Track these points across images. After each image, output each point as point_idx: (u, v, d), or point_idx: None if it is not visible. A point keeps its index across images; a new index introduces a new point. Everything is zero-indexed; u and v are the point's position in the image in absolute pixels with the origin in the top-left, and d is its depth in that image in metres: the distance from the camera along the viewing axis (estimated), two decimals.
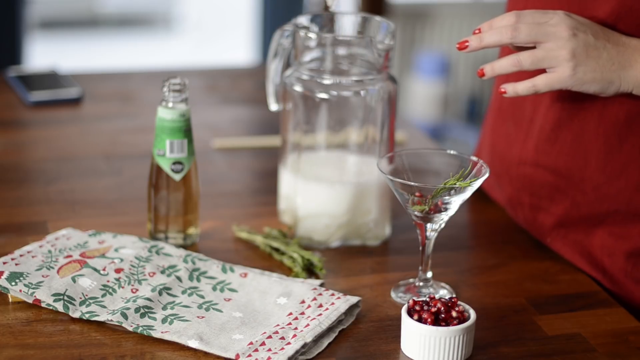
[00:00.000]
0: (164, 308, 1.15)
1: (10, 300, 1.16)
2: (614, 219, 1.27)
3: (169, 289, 1.18)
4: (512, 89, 1.19)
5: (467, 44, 1.18)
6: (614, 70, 1.16)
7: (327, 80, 1.30)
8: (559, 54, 1.15)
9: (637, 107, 1.23)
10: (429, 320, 1.08)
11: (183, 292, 1.18)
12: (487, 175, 1.15)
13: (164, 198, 1.30)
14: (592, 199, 1.28)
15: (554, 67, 1.16)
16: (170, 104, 1.27)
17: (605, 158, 1.26)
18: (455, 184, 1.14)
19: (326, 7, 1.32)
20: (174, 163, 1.28)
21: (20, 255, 1.21)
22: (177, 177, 1.28)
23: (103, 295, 1.16)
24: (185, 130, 1.27)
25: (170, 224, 1.31)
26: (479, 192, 1.47)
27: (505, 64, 1.18)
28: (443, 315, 1.08)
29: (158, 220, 1.31)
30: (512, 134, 1.37)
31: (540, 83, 1.17)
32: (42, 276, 1.17)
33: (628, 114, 1.23)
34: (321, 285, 1.22)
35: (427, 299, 1.10)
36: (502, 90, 1.20)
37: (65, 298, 1.14)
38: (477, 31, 1.19)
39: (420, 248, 1.20)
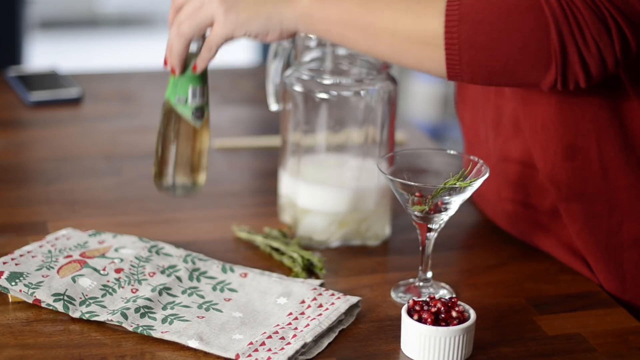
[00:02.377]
0: (164, 308, 1.15)
1: (10, 300, 1.16)
2: (578, 225, 1.28)
3: (169, 289, 1.18)
4: (200, 60, 1.22)
5: (165, 60, 1.23)
6: (269, 5, 1.17)
7: (327, 80, 1.30)
8: (211, 5, 1.17)
9: (548, 115, 1.23)
10: (429, 320, 1.08)
11: (183, 292, 1.18)
12: (487, 175, 1.15)
13: (183, 145, 1.28)
14: (553, 201, 1.29)
15: (213, 21, 1.18)
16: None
17: (545, 166, 1.26)
18: (455, 184, 1.14)
19: None
20: (196, 109, 1.27)
21: (20, 255, 1.21)
22: (199, 123, 1.27)
23: (103, 295, 1.16)
24: (204, 76, 1.26)
25: (182, 171, 1.29)
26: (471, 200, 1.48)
27: (174, 44, 1.21)
28: (443, 315, 1.08)
29: (172, 166, 1.29)
30: (474, 136, 1.39)
31: (208, 42, 1.19)
32: (42, 276, 1.17)
33: (543, 124, 1.23)
34: (321, 285, 1.22)
35: (427, 299, 1.10)
36: (194, 67, 1.22)
37: (65, 298, 1.14)
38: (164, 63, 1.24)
39: (420, 248, 1.20)
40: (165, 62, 1.23)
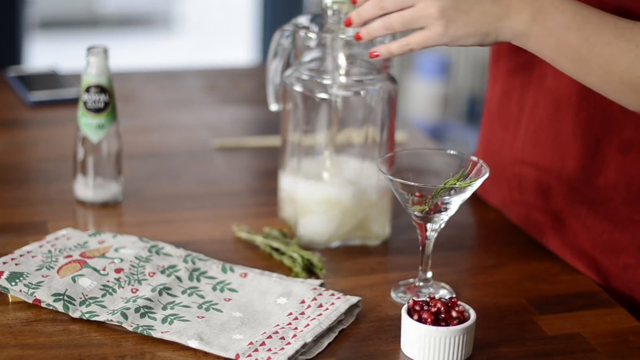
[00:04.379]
0: (164, 308, 1.15)
1: (10, 300, 1.16)
2: (594, 219, 1.28)
3: (169, 289, 1.18)
4: (386, 49, 1.18)
5: (349, 20, 1.18)
6: (489, 23, 1.13)
7: (327, 80, 1.30)
8: (428, 12, 1.12)
9: (612, 107, 1.23)
10: (429, 320, 1.08)
11: (183, 292, 1.18)
12: (487, 175, 1.15)
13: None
14: (575, 198, 1.29)
15: (426, 26, 1.13)
16: None
17: (584, 158, 1.27)
18: (455, 184, 1.14)
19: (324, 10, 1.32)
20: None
21: (20, 255, 1.21)
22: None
23: (103, 295, 1.16)
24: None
25: None
26: (476, 196, 1.48)
27: (378, 27, 1.16)
28: (443, 315, 1.08)
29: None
30: (501, 138, 1.38)
31: (413, 41, 1.15)
32: (42, 276, 1.17)
33: (604, 115, 1.24)
34: (321, 285, 1.22)
35: (427, 299, 1.10)
36: (375, 53, 1.18)
37: (65, 298, 1.14)
38: (354, 1, 1.19)
39: (420, 248, 1.20)
40: (349, 24, 1.19)
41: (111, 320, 1.11)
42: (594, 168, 1.27)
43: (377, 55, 1.18)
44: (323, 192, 1.32)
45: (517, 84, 1.34)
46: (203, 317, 1.13)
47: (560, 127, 1.29)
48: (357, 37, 1.19)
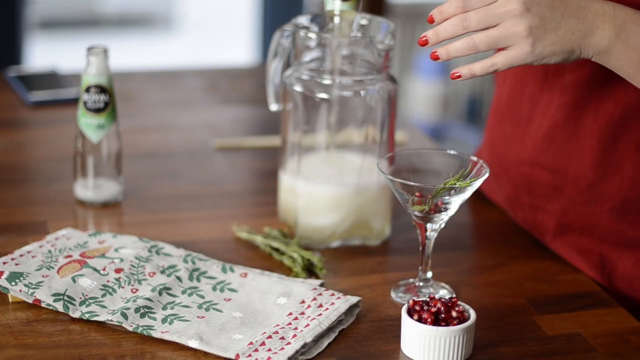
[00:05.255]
0: (164, 308, 1.15)
1: (10, 300, 1.16)
2: (609, 217, 1.28)
3: (169, 289, 1.18)
4: (468, 70, 1.14)
5: (425, 39, 1.14)
6: (574, 40, 1.11)
7: (327, 80, 1.30)
8: (515, 31, 1.10)
9: (632, 104, 1.23)
10: (429, 320, 1.08)
11: (183, 292, 1.18)
12: (487, 175, 1.15)
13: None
14: (588, 196, 1.29)
15: (512, 45, 1.11)
16: None
17: (600, 156, 1.26)
18: (455, 184, 1.14)
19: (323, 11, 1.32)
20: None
21: (20, 255, 1.21)
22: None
23: (103, 295, 1.16)
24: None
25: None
26: (478, 192, 1.48)
27: (461, 48, 1.13)
28: (443, 315, 1.08)
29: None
30: (510, 134, 1.37)
31: (499, 62, 1.12)
32: (42, 276, 1.17)
33: (623, 112, 1.24)
34: (321, 285, 1.22)
35: (427, 299, 1.10)
36: (457, 74, 1.14)
37: (65, 298, 1.14)
38: (429, 19, 1.14)
39: (420, 248, 1.20)
40: (425, 43, 1.15)
41: (111, 320, 1.11)
42: (611, 166, 1.26)
43: (458, 77, 1.14)
44: (323, 192, 1.32)
45: (531, 81, 1.33)
46: (203, 317, 1.13)
47: (578, 124, 1.28)
48: (434, 57, 1.15)
